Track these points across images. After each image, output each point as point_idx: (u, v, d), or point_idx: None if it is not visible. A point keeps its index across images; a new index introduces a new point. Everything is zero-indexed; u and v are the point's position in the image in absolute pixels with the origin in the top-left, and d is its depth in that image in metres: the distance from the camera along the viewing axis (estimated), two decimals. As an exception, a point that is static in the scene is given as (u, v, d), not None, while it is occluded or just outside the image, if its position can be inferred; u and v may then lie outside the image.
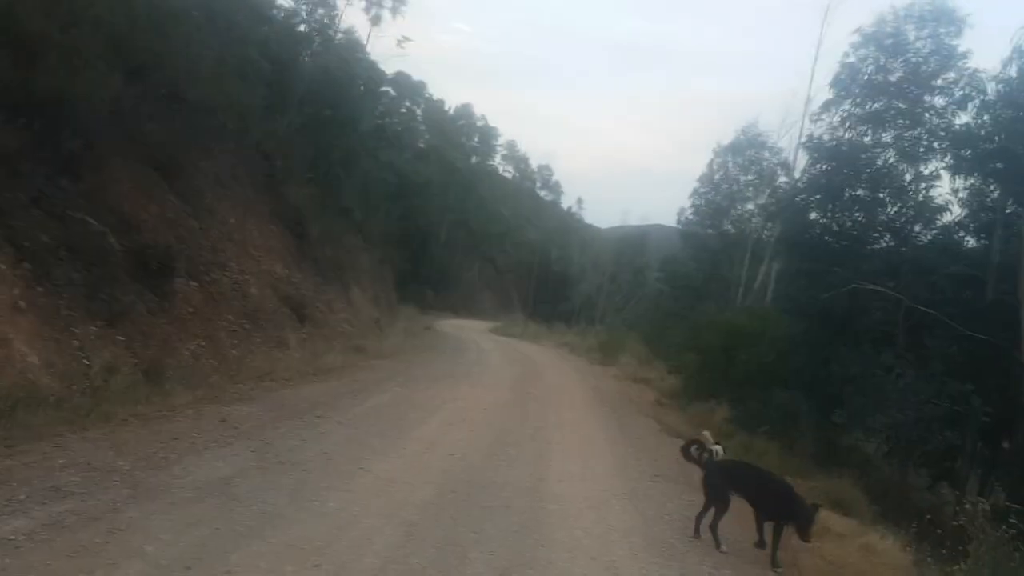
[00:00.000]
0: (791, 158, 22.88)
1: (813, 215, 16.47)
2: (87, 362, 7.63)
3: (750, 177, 23.99)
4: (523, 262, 62.75)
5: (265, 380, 11.60)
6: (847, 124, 16.46)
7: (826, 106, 17.03)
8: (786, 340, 13.51)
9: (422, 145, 53.85)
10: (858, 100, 16.38)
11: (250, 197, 16.21)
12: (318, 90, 21.05)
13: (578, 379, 19.65)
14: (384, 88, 45.46)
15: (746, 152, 23.90)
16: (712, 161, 24.87)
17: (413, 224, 42.04)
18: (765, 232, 22.74)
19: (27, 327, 6.91)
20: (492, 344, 29.01)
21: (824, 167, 16.30)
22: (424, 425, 9.60)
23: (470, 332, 35.18)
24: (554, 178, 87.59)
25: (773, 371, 12.37)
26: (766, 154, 23.63)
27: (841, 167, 15.73)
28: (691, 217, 25.23)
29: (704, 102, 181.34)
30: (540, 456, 8.75)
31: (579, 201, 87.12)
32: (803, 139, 18.68)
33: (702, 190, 24.99)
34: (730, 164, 24.39)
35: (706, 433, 9.21)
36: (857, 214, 15.77)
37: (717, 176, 24.54)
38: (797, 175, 22.32)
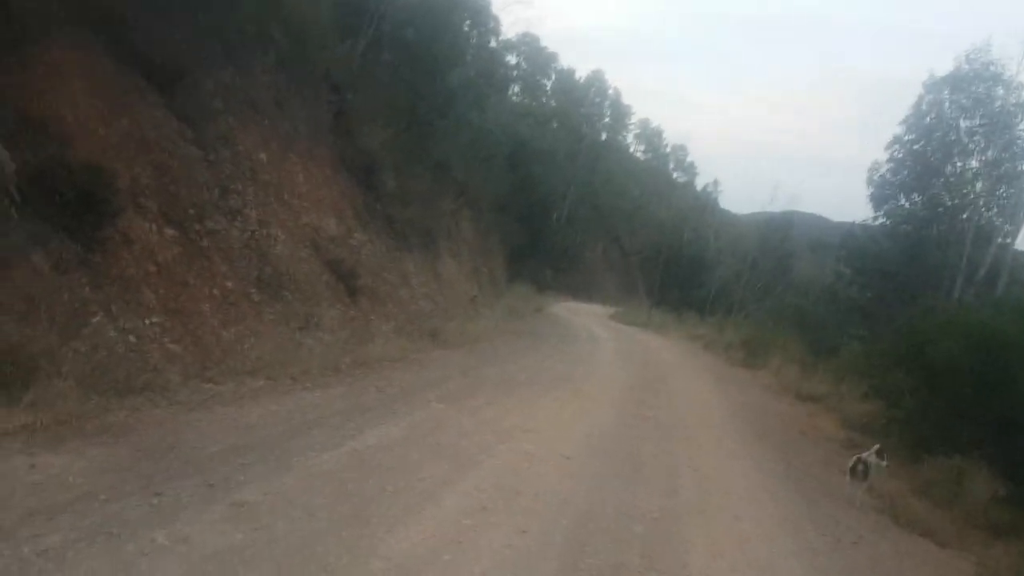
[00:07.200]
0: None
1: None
2: None
3: (976, 122, 17.28)
4: (651, 243, 57.26)
5: (258, 376, 7.97)
6: None
7: None
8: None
9: (547, 109, 49.67)
10: None
11: (300, 132, 12.70)
12: (404, 9, 17.15)
13: (718, 390, 14.83)
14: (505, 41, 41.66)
15: (971, 88, 17.30)
16: (922, 99, 18.09)
17: (533, 194, 37.87)
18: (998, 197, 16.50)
19: None
20: (608, 334, 24.49)
21: None
22: (429, 509, 4.78)
23: (586, 317, 30.85)
24: (689, 159, 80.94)
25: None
26: (1000, 91, 17.06)
27: None
28: (888, 177, 18.55)
29: (858, 80, 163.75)
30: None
31: (715, 182, 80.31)
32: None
33: (907, 138, 18.25)
34: (947, 103, 17.60)
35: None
36: None
37: (928, 119, 17.78)
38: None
